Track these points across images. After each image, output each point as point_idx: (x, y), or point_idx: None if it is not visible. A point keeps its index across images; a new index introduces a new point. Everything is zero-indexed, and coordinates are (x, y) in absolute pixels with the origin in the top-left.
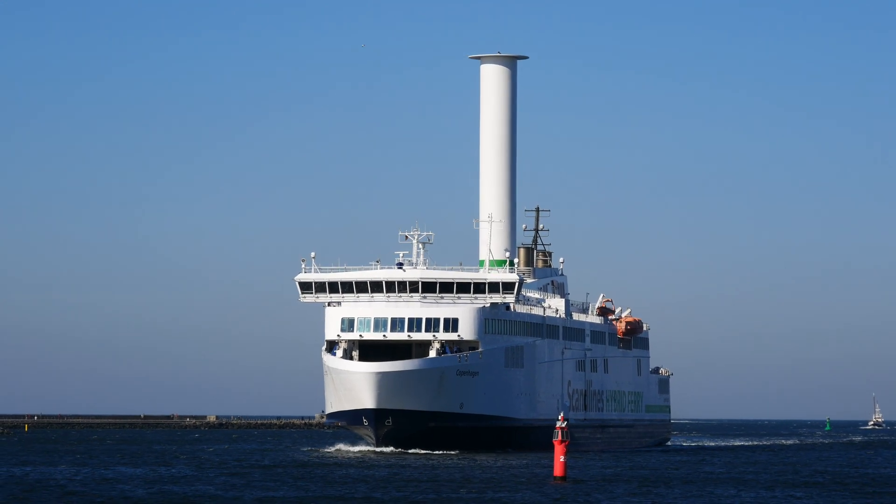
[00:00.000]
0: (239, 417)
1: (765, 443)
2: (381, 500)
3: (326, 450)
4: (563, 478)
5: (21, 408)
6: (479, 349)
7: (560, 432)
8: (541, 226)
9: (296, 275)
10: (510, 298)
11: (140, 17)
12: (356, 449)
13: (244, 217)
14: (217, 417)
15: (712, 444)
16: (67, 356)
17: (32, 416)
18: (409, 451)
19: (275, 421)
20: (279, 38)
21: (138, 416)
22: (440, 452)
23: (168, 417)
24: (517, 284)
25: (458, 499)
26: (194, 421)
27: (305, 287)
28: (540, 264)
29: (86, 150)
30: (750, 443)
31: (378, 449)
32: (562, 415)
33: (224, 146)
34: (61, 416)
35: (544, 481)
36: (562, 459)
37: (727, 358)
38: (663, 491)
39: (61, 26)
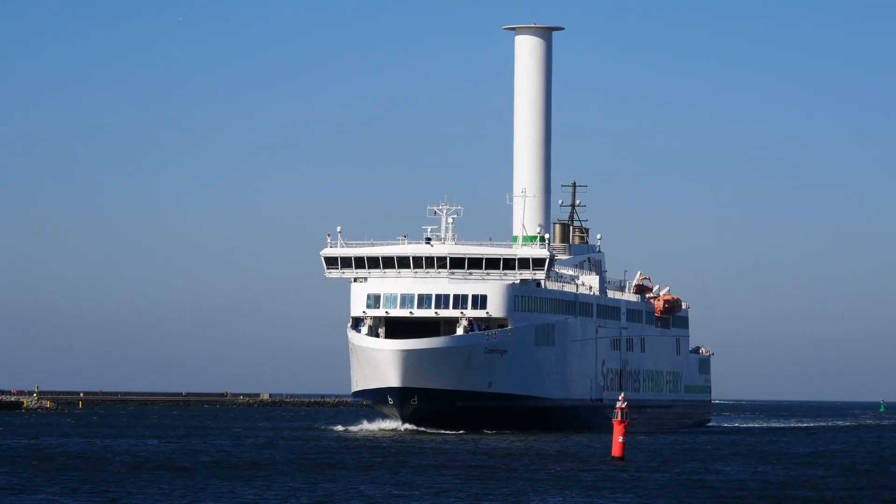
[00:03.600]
0: (291, 395)
1: (822, 424)
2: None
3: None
4: (622, 458)
5: (67, 384)
6: (509, 327)
7: (620, 412)
8: (577, 201)
9: (321, 250)
10: (540, 275)
11: None
12: (390, 426)
13: (272, 192)
14: (270, 395)
15: (758, 425)
16: (94, 334)
17: (78, 393)
18: (439, 430)
19: (329, 399)
20: (308, 12)
21: (179, 394)
22: (456, 432)
23: (222, 395)
24: (548, 260)
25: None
26: (247, 399)
27: (331, 262)
28: (576, 241)
29: (119, 131)
30: (804, 424)
31: (407, 427)
32: (622, 395)
33: (251, 121)
34: (116, 394)
35: (603, 461)
36: (620, 440)
37: (772, 337)
38: (722, 467)
39: (83, 2)
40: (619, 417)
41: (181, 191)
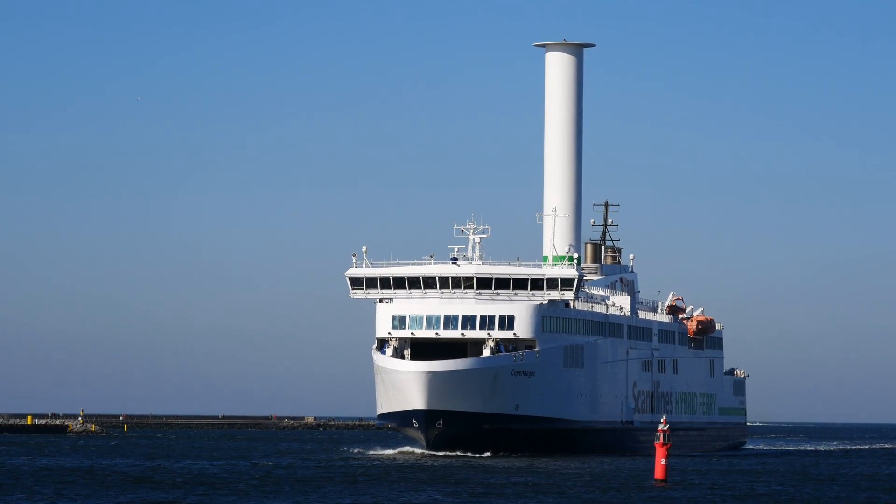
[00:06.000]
0: (335, 418)
1: (864, 447)
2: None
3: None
4: (664, 480)
5: (95, 408)
6: (536, 348)
7: (662, 435)
8: (610, 221)
9: (346, 270)
10: (569, 295)
11: (189, 4)
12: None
13: (298, 211)
14: (315, 419)
15: (793, 447)
16: (121, 357)
17: (118, 416)
18: (465, 454)
19: (371, 422)
20: (336, 31)
21: (216, 417)
22: (477, 455)
23: (266, 418)
24: (576, 280)
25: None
26: (292, 422)
27: (356, 282)
28: (608, 261)
29: (142, 148)
30: (846, 447)
31: (434, 452)
32: (664, 418)
33: (277, 139)
34: (160, 417)
35: (646, 484)
36: (662, 462)
37: (810, 357)
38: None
39: (98, 17)
40: (662, 440)
41: (209, 213)
